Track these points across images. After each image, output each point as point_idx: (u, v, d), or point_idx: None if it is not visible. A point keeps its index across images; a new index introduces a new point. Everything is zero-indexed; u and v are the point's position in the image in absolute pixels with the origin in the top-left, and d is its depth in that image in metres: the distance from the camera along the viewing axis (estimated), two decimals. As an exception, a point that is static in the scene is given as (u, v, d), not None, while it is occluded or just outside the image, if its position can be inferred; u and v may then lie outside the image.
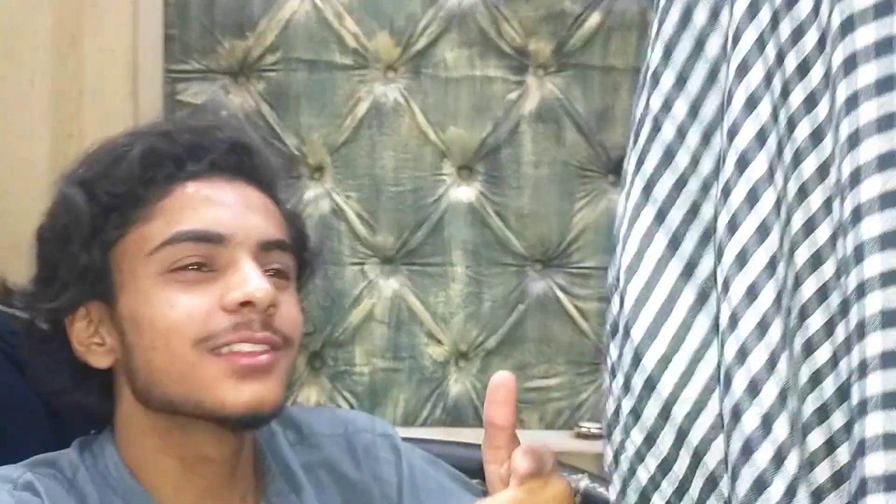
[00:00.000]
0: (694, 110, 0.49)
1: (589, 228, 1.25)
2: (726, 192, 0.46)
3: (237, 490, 0.69)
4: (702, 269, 0.48)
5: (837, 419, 0.41)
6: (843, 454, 0.41)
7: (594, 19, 1.23)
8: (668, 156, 0.50)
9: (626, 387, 0.49)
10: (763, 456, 0.43)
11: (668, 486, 0.48)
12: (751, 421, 0.43)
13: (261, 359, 0.65)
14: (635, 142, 0.51)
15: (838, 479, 0.41)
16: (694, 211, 0.49)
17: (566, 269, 1.25)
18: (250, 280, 0.64)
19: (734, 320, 0.44)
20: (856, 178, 0.40)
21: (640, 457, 0.48)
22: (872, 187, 0.39)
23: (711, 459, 0.46)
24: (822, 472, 0.42)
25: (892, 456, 0.38)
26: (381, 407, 1.27)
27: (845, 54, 0.40)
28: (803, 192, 0.43)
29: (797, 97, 0.43)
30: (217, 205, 0.67)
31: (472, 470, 0.84)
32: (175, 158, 0.67)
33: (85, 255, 0.66)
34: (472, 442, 1.04)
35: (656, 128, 0.50)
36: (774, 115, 0.44)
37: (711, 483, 0.46)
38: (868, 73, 0.39)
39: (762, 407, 0.43)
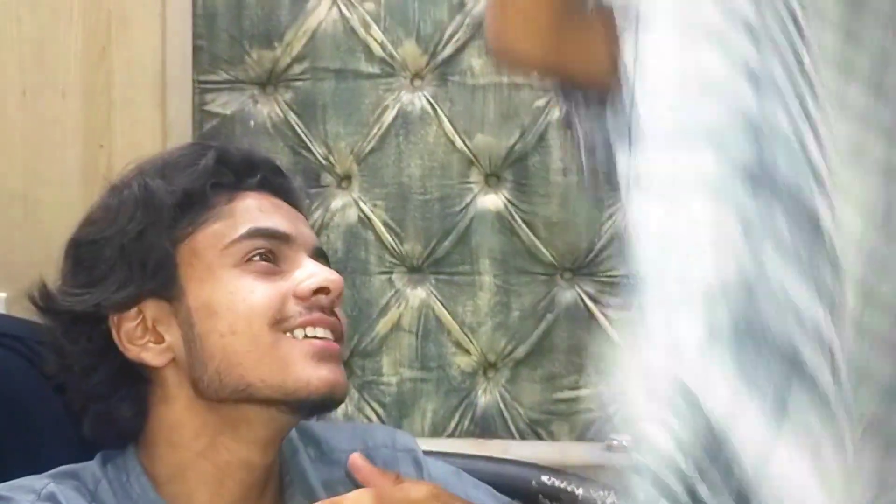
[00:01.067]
0: None
1: (619, 236, 1.23)
2: None
3: (264, 503, 0.70)
4: None
5: None
6: None
7: (624, 24, 1.21)
8: None
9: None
10: None
11: None
12: None
13: (334, 345, 0.70)
14: None
15: None
16: None
17: (596, 277, 1.23)
18: (321, 271, 0.70)
19: None
20: None
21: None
22: None
23: None
24: None
25: None
26: (408, 417, 1.26)
27: None
28: None
29: None
30: (277, 211, 0.73)
31: (498, 485, 0.83)
32: (236, 170, 0.73)
33: (160, 249, 0.69)
34: (498, 456, 1.03)
35: None
36: None
37: None
38: None
39: None
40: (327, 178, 1.28)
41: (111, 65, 1.23)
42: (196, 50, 1.28)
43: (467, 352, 1.25)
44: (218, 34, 1.29)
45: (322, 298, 0.69)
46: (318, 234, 1.24)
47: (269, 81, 1.28)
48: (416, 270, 1.27)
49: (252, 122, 1.27)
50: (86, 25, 1.22)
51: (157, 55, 1.25)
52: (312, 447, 0.76)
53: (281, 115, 1.28)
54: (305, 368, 0.67)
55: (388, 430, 0.80)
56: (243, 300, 0.68)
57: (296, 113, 1.28)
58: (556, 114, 1.24)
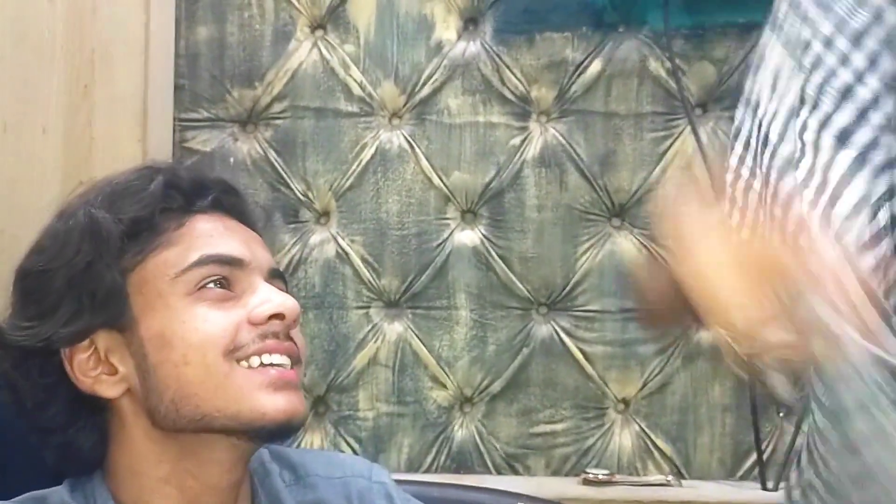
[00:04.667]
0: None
1: (593, 271, 1.25)
2: None
3: None
4: None
5: None
6: None
7: (595, 67, 1.26)
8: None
9: None
10: None
11: None
12: None
13: (290, 373, 0.68)
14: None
15: None
16: None
17: (571, 312, 1.25)
18: (275, 296, 0.69)
19: None
20: None
21: None
22: None
23: None
24: None
25: None
26: (384, 453, 1.26)
27: None
28: None
29: None
30: (230, 234, 0.71)
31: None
32: (185, 193, 0.71)
33: (109, 279, 0.68)
34: (474, 485, 1.03)
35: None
36: None
37: None
38: None
39: None
40: (306, 214, 1.29)
41: (93, 102, 1.25)
42: (178, 88, 1.30)
43: (444, 386, 1.26)
44: (200, 73, 1.31)
45: (277, 324, 0.68)
46: (295, 269, 1.27)
47: (250, 119, 1.31)
48: (393, 305, 1.28)
49: (232, 159, 1.28)
50: (69, 62, 1.24)
51: (138, 93, 1.27)
52: (288, 471, 0.75)
53: (261, 152, 1.30)
54: (261, 398, 0.66)
55: (365, 463, 0.80)
56: (196, 330, 0.67)
57: (275, 150, 1.30)
58: (530, 151, 1.28)
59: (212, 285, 0.68)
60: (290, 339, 0.69)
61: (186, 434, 0.67)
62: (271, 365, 0.67)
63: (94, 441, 0.69)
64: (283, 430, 0.67)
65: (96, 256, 0.68)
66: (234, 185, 0.74)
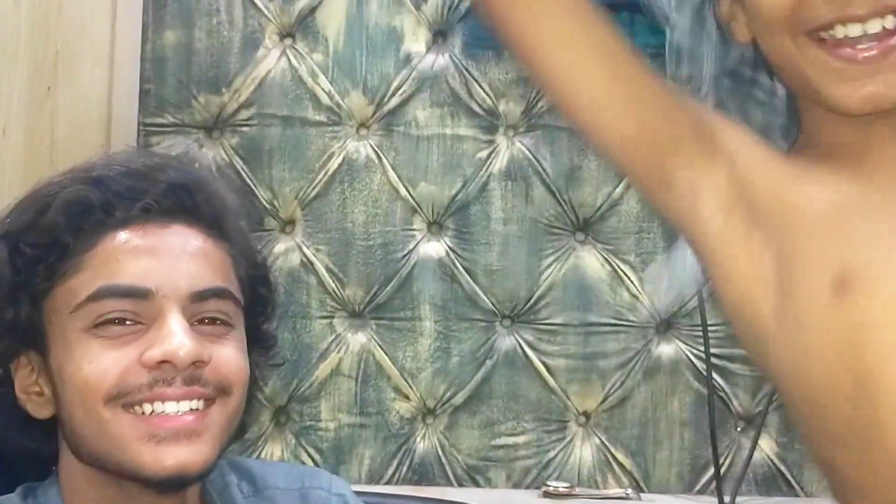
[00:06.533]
0: None
1: (557, 285, 1.26)
2: None
3: None
4: None
5: None
6: None
7: (562, 82, 1.27)
8: None
9: None
10: None
11: None
12: None
13: (185, 419, 0.63)
14: None
15: None
16: None
17: (534, 325, 1.26)
18: (173, 337, 0.62)
19: None
20: None
21: None
22: None
23: None
24: None
25: None
26: (345, 464, 1.25)
27: None
28: None
29: None
30: (145, 255, 0.64)
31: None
32: (103, 205, 0.65)
33: (11, 310, 0.65)
34: (437, 497, 1.03)
35: None
36: None
37: None
38: None
39: None
40: (271, 223, 1.28)
41: (56, 104, 1.23)
42: (143, 93, 1.29)
43: (406, 397, 1.26)
44: (166, 78, 1.30)
45: (169, 369, 0.62)
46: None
47: (216, 126, 1.30)
48: (357, 315, 1.27)
49: (197, 165, 1.27)
50: (32, 63, 1.22)
51: (103, 96, 1.25)
52: (246, 482, 0.73)
53: (226, 158, 1.29)
54: (142, 451, 0.62)
55: (324, 474, 0.78)
56: (80, 371, 0.62)
57: (241, 157, 1.29)
58: (497, 165, 1.28)
59: (111, 321, 0.63)
60: (197, 380, 0.63)
61: (98, 470, 0.65)
62: (163, 413, 0.62)
63: (46, 451, 0.68)
64: (173, 482, 0.63)
65: (11, 282, 0.65)
66: (185, 181, 0.67)
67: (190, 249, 0.65)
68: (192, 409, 0.63)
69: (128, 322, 0.63)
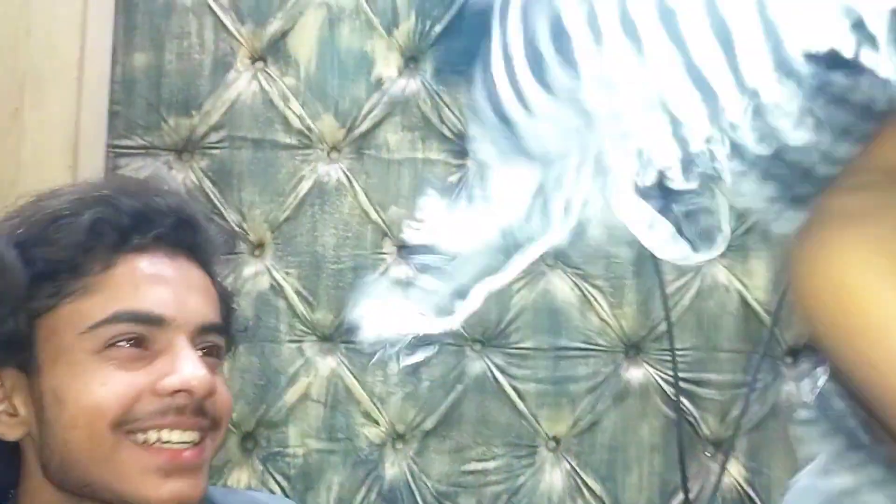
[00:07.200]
0: None
1: (527, 309, 1.26)
2: None
3: None
4: None
5: None
6: None
7: (533, 108, 1.28)
8: None
9: None
10: None
11: None
12: None
13: (186, 455, 0.63)
14: None
15: None
16: None
17: (504, 349, 1.26)
18: (187, 366, 0.63)
19: None
20: None
21: None
22: None
23: None
24: None
25: None
26: (313, 490, 1.23)
27: None
28: None
29: None
30: (159, 283, 0.65)
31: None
32: (120, 229, 0.65)
33: (12, 322, 0.63)
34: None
35: None
36: None
37: None
38: None
39: None
40: (240, 246, 1.28)
41: (22, 126, 1.22)
42: (112, 115, 1.28)
43: (376, 422, 1.25)
44: (135, 100, 1.29)
45: (183, 397, 0.63)
46: (228, 300, 1.25)
47: (186, 148, 1.29)
48: (326, 339, 1.27)
49: (166, 188, 1.26)
50: (-1, 84, 1.21)
51: (70, 118, 1.24)
52: None
53: (196, 181, 1.28)
54: (146, 483, 0.62)
55: (289, 502, 0.78)
56: (90, 393, 0.62)
57: (211, 180, 1.28)
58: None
59: (123, 343, 0.63)
60: (202, 412, 0.64)
61: (78, 499, 0.64)
62: (169, 443, 0.62)
63: (6, 471, 0.66)
64: None
65: (3, 296, 0.64)
66: (188, 216, 0.68)
67: (195, 283, 0.67)
68: (191, 443, 0.63)
69: (139, 345, 0.63)
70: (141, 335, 0.64)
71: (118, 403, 0.62)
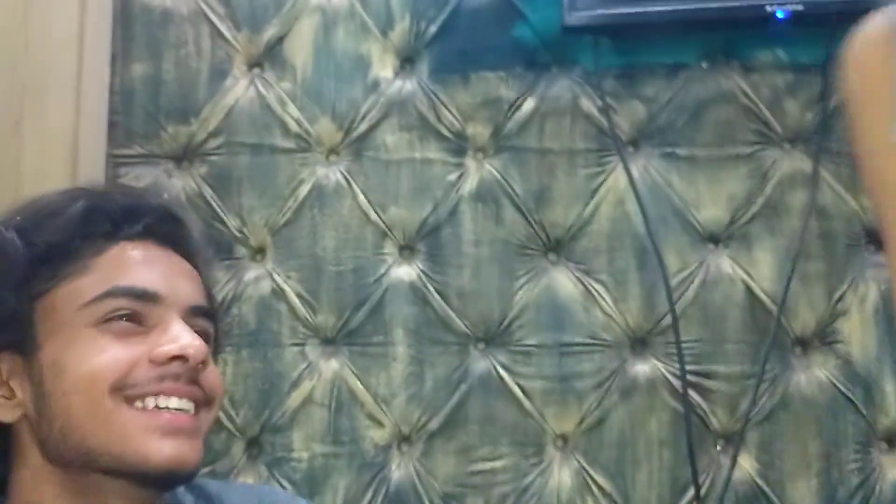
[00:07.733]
0: None
1: (530, 306, 1.25)
2: None
3: None
4: None
5: None
6: None
7: (529, 105, 1.28)
8: None
9: None
10: None
11: None
12: None
13: (184, 419, 0.65)
14: None
15: None
16: None
17: (508, 347, 1.25)
18: (183, 336, 0.66)
19: None
20: None
21: None
22: None
23: None
24: None
25: None
26: (320, 495, 1.22)
27: None
28: None
29: None
30: (151, 265, 0.69)
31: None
32: (113, 218, 0.69)
33: (12, 302, 0.66)
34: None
35: None
36: None
37: None
38: None
39: None
40: (241, 251, 1.28)
41: (23, 137, 1.23)
42: (112, 125, 1.29)
43: (381, 424, 1.24)
44: (134, 110, 1.30)
45: (178, 365, 0.65)
46: (230, 305, 1.25)
47: (185, 156, 1.29)
48: (329, 342, 1.26)
49: (165, 195, 1.27)
50: (-2, 95, 1.22)
51: (70, 129, 1.25)
52: (203, 502, 0.73)
53: (195, 188, 1.28)
54: (146, 442, 0.64)
55: (286, 494, 0.79)
56: (89, 360, 0.64)
57: (210, 186, 1.28)
58: (467, 187, 1.28)
59: (119, 318, 0.66)
60: (196, 382, 0.66)
61: (76, 472, 0.65)
62: (166, 409, 0.65)
63: None
64: (169, 478, 0.65)
65: (2, 279, 0.66)
66: (174, 213, 0.72)
67: (185, 270, 0.71)
68: (187, 411, 0.66)
69: (134, 320, 0.66)
70: (136, 311, 0.66)
71: (116, 368, 0.64)
